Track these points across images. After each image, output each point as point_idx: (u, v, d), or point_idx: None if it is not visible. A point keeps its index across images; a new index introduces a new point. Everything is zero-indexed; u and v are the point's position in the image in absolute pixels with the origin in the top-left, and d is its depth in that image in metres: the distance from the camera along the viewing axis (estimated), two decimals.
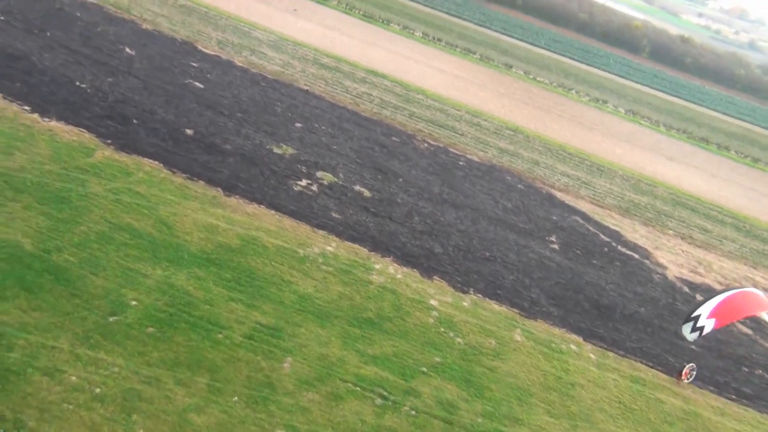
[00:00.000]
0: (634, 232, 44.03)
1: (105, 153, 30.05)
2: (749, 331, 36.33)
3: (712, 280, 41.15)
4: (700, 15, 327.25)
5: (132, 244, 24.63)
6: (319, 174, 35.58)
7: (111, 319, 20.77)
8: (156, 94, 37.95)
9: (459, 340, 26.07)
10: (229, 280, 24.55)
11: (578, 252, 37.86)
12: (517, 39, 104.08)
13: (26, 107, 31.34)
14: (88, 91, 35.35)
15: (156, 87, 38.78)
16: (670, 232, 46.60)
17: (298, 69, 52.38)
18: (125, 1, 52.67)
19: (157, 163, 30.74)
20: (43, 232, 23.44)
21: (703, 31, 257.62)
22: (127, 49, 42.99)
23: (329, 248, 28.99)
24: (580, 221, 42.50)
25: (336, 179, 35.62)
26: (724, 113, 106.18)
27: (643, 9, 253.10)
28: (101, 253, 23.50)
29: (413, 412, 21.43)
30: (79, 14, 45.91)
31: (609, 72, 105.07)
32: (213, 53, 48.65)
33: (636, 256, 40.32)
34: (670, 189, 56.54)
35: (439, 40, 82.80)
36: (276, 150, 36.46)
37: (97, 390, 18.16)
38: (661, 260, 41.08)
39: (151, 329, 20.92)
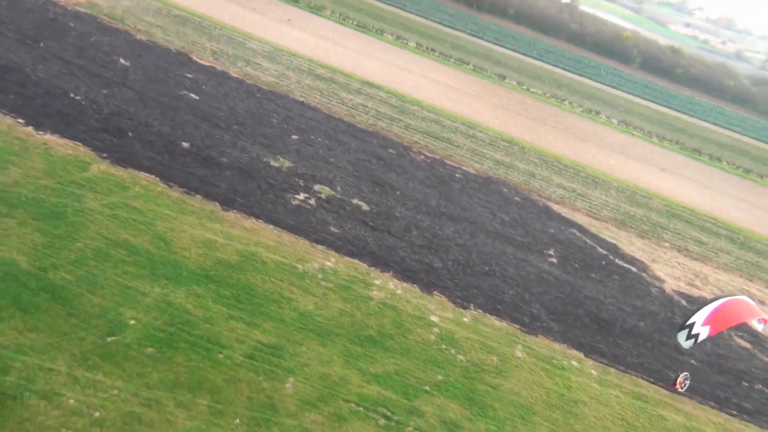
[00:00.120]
0: (631, 245, 43.98)
1: (101, 167, 29.64)
2: (748, 345, 36.29)
3: (709, 293, 41.10)
4: (688, 25, 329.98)
5: (129, 261, 24.24)
6: (317, 187, 35.30)
7: (109, 339, 20.39)
8: (151, 106, 37.56)
9: (461, 357, 25.82)
10: (228, 298, 24.19)
11: (576, 265, 37.72)
12: (510, 49, 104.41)
13: (20, 120, 30.90)
14: (83, 103, 34.93)
15: (151, 99, 38.39)
16: (666, 244, 46.62)
17: (293, 80, 52.13)
18: (119, 11, 52.27)
19: (153, 176, 30.36)
20: (38, 250, 23.03)
21: (690, 41, 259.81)
22: (122, 60, 42.59)
23: (328, 263, 28.69)
24: (578, 234, 42.40)
25: (334, 192, 35.34)
26: (715, 124, 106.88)
27: (632, 19, 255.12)
28: (98, 271, 23.10)
29: None
30: (72, 24, 45.45)
31: (601, 82, 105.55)
32: (208, 64, 48.32)
33: (633, 269, 40.24)
34: (665, 201, 56.63)
35: (433, 50, 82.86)
36: (273, 163, 36.15)
37: (96, 414, 17.78)
38: (659, 273, 41.03)
39: (150, 349, 20.54)
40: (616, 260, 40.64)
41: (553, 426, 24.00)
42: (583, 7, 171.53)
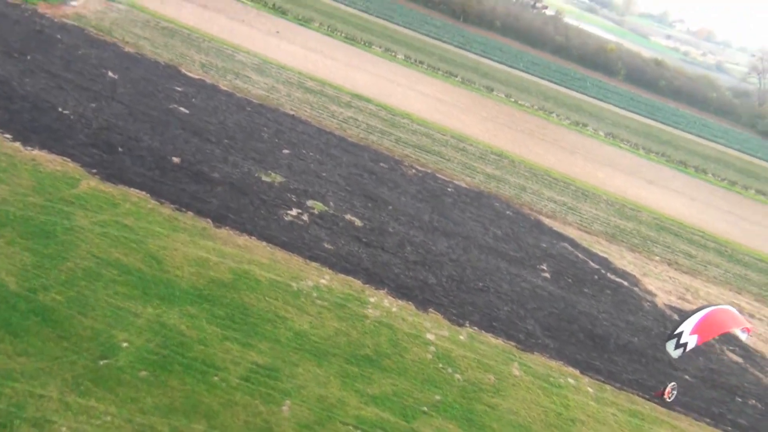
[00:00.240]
0: (622, 259, 44.06)
1: (90, 183, 29.12)
2: (739, 359, 36.38)
3: (700, 306, 41.19)
4: (669, 37, 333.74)
5: (121, 280, 23.75)
6: (310, 203, 34.98)
7: (101, 362, 19.89)
8: (141, 120, 37.09)
9: (458, 376, 25.55)
10: (222, 318, 23.77)
11: (569, 280, 37.66)
12: (497, 61, 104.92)
13: (7, 135, 30.30)
14: (71, 117, 34.39)
15: (140, 113, 37.92)
16: (657, 258, 46.76)
17: (283, 93, 51.85)
18: (107, 23, 51.77)
19: (144, 193, 29.89)
20: (28, 270, 22.49)
21: (672, 53, 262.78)
22: (110, 73, 42.08)
23: (323, 281, 28.35)
24: (569, 248, 42.39)
25: (326, 208, 35.04)
26: (699, 136, 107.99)
27: (614, 31, 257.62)
28: (89, 292, 22.59)
29: None
30: (59, 37, 44.89)
31: (587, 95, 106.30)
32: (197, 77, 47.92)
33: (625, 283, 40.27)
34: (654, 214, 56.90)
35: (421, 62, 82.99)
36: (265, 178, 35.80)
37: None
38: (650, 287, 41.10)
39: (144, 373, 20.07)
40: (608, 274, 40.66)
41: None
42: (568, 20, 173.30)
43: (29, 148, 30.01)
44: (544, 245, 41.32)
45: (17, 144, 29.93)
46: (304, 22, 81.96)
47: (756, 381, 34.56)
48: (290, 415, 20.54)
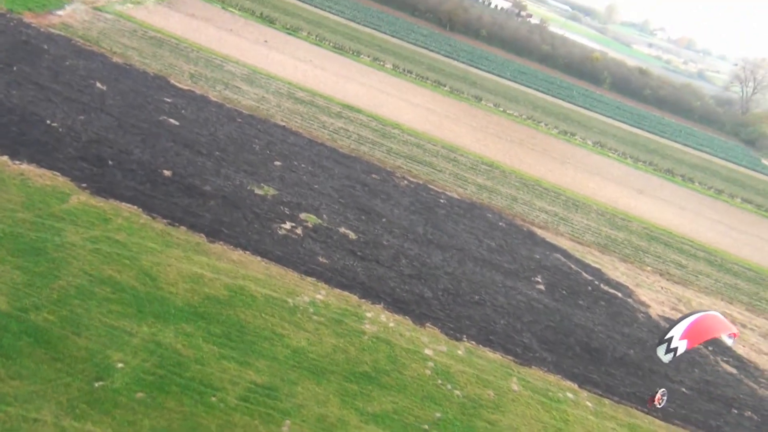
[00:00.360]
0: (615, 270, 44.07)
1: (81, 198, 28.58)
2: (734, 370, 36.43)
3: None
4: (650, 45, 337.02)
5: (114, 298, 23.26)
6: (303, 216, 34.62)
7: (97, 384, 19.42)
8: (131, 132, 36.55)
9: (457, 392, 25.27)
10: (219, 336, 23.34)
11: (564, 292, 37.55)
12: (484, 70, 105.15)
13: None
14: (60, 130, 33.79)
15: (130, 125, 37.38)
16: (648, 268, 46.85)
17: (273, 104, 51.48)
18: (94, 33, 51.14)
19: (135, 207, 29.39)
20: (19, 289, 21.95)
21: (654, 61, 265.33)
22: (98, 84, 41.49)
23: (319, 296, 27.99)
24: (562, 259, 42.33)
25: (320, 221, 34.69)
26: (685, 144, 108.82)
27: (598, 39, 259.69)
28: (82, 310, 22.09)
29: None
30: (46, 47, 44.21)
31: (574, 103, 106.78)
32: (186, 88, 47.42)
33: (619, 294, 40.25)
34: (644, 223, 57.09)
35: (410, 72, 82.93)
36: (257, 191, 35.39)
37: None
38: (643, 298, 41.11)
39: (140, 394, 19.61)
40: (602, 285, 40.62)
41: None
42: (553, 29, 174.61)
43: (17, 162, 29.43)
44: (538, 257, 41.22)
45: (5, 158, 29.33)
46: (292, 31, 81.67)
47: (751, 392, 34.59)
48: None
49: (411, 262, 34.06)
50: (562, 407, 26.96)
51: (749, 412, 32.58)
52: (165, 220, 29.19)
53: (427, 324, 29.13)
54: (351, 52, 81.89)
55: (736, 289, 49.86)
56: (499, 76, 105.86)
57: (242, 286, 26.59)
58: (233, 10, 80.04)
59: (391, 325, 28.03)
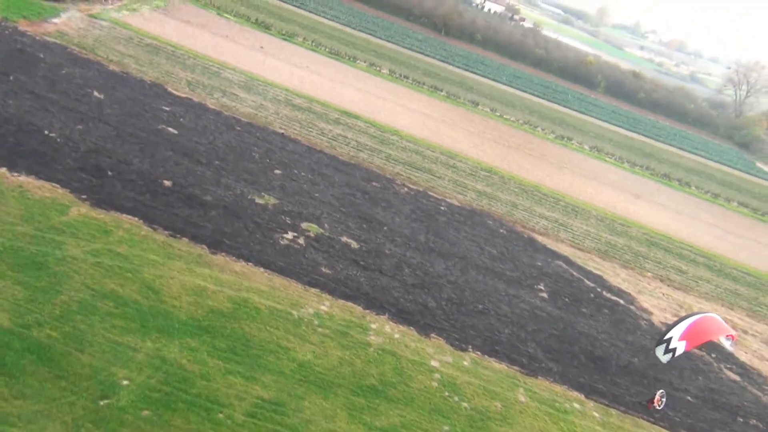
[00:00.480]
0: (616, 276, 43.95)
1: (80, 210, 28.22)
2: (737, 378, 36.30)
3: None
4: (642, 48, 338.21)
5: (117, 313, 22.91)
6: (305, 225, 34.32)
7: (102, 403, 19.08)
8: (129, 141, 36.19)
9: (465, 404, 25.02)
10: (224, 350, 23.02)
11: (567, 300, 37.38)
12: (480, 75, 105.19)
13: None
14: (58, 140, 33.41)
15: (129, 134, 37.02)
16: (649, 274, 46.77)
17: (271, 111, 51.19)
18: (89, 41, 50.75)
19: (136, 219, 29.05)
20: (20, 305, 21.59)
21: (646, 64, 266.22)
22: (96, 93, 41.11)
23: (323, 308, 27.70)
24: (564, 266, 42.17)
25: (322, 230, 34.41)
26: (680, 148, 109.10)
27: (590, 42, 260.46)
28: (85, 326, 21.74)
29: None
30: (42, 55, 43.81)
31: (569, 108, 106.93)
32: (184, 95, 47.07)
33: (621, 301, 40.11)
34: (643, 229, 57.06)
35: (406, 77, 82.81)
36: (258, 200, 35.09)
37: None
38: (645, 305, 40.99)
39: (146, 412, 19.28)
40: (604, 293, 40.47)
41: None
42: (546, 32, 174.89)
43: (15, 174, 29.05)
44: (540, 264, 41.05)
45: (3, 170, 28.97)
46: (288, 37, 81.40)
47: (755, 400, 34.47)
48: None
49: (414, 271, 33.82)
50: (570, 418, 26.75)
51: (754, 420, 32.45)
52: (166, 232, 28.86)
53: (432, 334, 28.88)
54: (347, 58, 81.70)
55: (736, 295, 49.84)
56: (494, 80, 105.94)
57: (246, 299, 26.28)
58: (228, 16, 79.75)
59: (396, 336, 27.76)
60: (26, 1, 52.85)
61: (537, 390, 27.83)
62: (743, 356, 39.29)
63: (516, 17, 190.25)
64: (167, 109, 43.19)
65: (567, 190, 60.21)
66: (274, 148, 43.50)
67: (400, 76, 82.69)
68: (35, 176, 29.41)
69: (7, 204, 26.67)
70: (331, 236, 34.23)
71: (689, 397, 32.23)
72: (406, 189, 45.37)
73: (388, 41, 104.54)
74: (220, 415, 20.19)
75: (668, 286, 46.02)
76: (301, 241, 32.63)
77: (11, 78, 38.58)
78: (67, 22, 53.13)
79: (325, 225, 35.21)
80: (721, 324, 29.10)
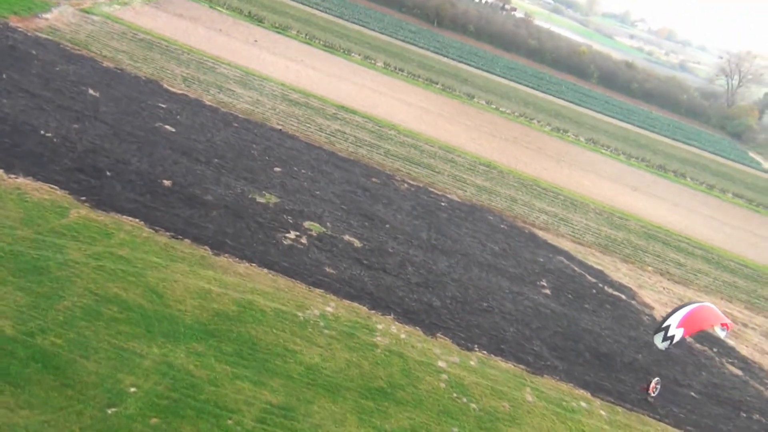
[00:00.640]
0: (617, 271, 43.91)
1: (80, 212, 27.77)
2: (739, 372, 36.37)
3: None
4: (632, 37, 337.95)
5: (122, 318, 22.56)
6: (307, 224, 33.99)
7: (109, 411, 18.77)
8: (127, 140, 35.67)
9: (473, 405, 24.87)
10: (231, 354, 22.73)
11: (570, 296, 37.30)
12: (474, 67, 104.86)
13: None
14: (55, 140, 32.86)
15: (126, 133, 36.49)
16: (650, 268, 46.77)
17: (268, 106, 50.69)
18: (82, 37, 50.00)
19: (137, 220, 28.63)
20: (23, 311, 21.20)
21: (636, 53, 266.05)
22: (91, 91, 40.47)
23: (329, 309, 27.43)
24: (565, 261, 42.08)
25: (324, 229, 34.09)
26: (674, 138, 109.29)
27: (580, 31, 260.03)
28: (90, 332, 21.38)
29: None
30: (34, 52, 43.08)
31: (564, 99, 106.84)
32: (180, 92, 46.48)
33: (623, 296, 40.08)
34: (641, 222, 57.06)
35: (401, 70, 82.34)
36: (259, 199, 34.71)
37: None
38: (647, 299, 40.99)
39: (155, 420, 18.99)
40: (606, 288, 40.42)
41: None
42: (538, 22, 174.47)
43: (13, 176, 28.52)
44: (541, 260, 40.92)
45: (0, 172, 28.39)
46: (282, 30, 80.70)
47: (758, 394, 34.55)
48: None
49: (417, 270, 33.59)
50: (577, 417, 26.66)
51: (757, 415, 32.53)
52: (168, 233, 28.47)
53: (438, 334, 28.69)
54: (342, 51, 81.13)
55: (735, 287, 49.96)
56: (488, 72, 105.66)
57: (251, 301, 25.97)
58: (221, 9, 78.90)
59: (403, 336, 27.56)
60: None
61: (544, 389, 27.72)
62: (744, 350, 39.38)
63: (507, 7, 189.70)
64: (163, 106, 42.62)
65: (565, 183, 60.11)
66: (273, 145, 43.06)
67: (395, 68, 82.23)
68: (33, 178, 28.90)
69: (6, 207, 26.18)
70: (334, 235, 33.93)
71: (693, 393, 32.23)
72: (406, 185, 45.08)
73: (382, 33, 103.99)
74: (230, 422, 19.93)
75: (668, 279, 46.05)
76: (304, 240, 32.32)
77: (4, 76, 37.88)
78: (59, 17, 52.30)
79: (327, 223, 34.90)
80: (717, 313, 29.54)
